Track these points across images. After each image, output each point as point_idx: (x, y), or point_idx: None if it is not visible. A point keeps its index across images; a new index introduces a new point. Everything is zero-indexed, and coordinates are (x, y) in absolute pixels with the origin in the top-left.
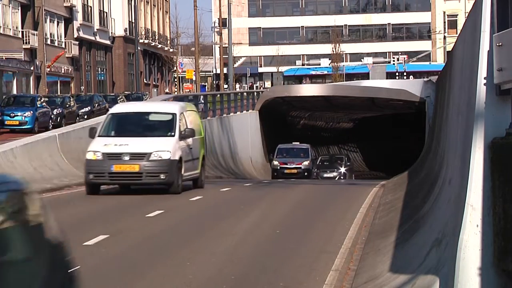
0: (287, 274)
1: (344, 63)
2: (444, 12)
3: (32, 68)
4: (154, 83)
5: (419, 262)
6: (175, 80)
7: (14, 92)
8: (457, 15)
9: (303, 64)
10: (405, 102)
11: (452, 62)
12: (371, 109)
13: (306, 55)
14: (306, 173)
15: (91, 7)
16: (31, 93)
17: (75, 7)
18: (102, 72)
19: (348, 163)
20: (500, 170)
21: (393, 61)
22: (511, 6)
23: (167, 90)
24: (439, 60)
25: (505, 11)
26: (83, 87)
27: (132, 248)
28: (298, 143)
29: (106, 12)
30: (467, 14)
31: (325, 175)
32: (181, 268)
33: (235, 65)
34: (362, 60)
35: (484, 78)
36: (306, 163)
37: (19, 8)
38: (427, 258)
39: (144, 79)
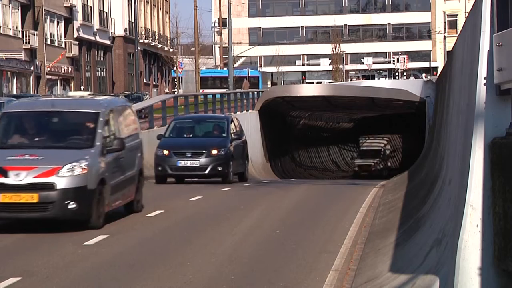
0: (287, 274)
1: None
2: (444, 12)
3: (32, 68)
4: (154, 83)
5: (419, 262)
6: (175, 80)
7: (14, 92)
8: (457, 15)
9: (303, 64)
10: (405, 102)
11: (452, 62)
12: (371, 109)
13: (306, 55)
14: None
15: (91, 7)
16: (31, 93)
17: (75, 7)
18: (102, 72)
19: (237, 138)
20: (500, 170)
21: (393, 61)
22: (511, 6)
23: (167, 90)
24: (439, 60)
25: (505, 11)
26: (83, 87)
27: (132, 248)
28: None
29: (106, 12)
30: (467, 14)
31: (181, 163)
32: (181, 268)
33: (235, 65)
34: (362, 60)
35: (484, 78)
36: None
37: (19, 8)
38: (427, 258)
39: (144, 79)
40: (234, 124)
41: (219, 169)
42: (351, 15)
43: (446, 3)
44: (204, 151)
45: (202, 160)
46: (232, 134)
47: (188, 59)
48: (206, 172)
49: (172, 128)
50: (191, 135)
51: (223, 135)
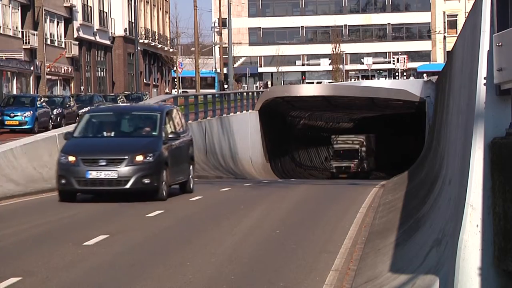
0: (287, 274)
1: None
2: (444, 12)
3: (32, 68)
4: (154, 83)
5: (419, 262)
6: (175, 80)
7: (14, 92)
8: (457, 15)
9: (302, 64)
10: (405, 102)
11: (452, 62)
12: (371, 109)
13: (306, 55)
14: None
15: (91, 7)
16: (31, 93)
17: (75, 7)
18: (102, 72)
19: (175, 137)
20: (500, 170)
21: (393, 61)
22: (511, 6)
23: (167, 90)
24: (439, 60)
25: (505, 11)
26: (83, 87)
27: (132, 248)
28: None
29: (106, 12)
30: (467, 14)
31: (92, 174)
32: (181, 268)
33: (235, 65)
34: (362, 60)
35: (484, 78)
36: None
37: (19, 8)
38: (427, 258)
39: (144, 79)
40: (172, 118)
41: (146, 181)
42: (351, 15)
43: (446, 3)
44: (125, 157)
45: (122, 170)
46: (169, 132)
47: (188, 59)
48: (128, 186)
49: (84, 124)
50: (112, 134)
51: (154, 133)
